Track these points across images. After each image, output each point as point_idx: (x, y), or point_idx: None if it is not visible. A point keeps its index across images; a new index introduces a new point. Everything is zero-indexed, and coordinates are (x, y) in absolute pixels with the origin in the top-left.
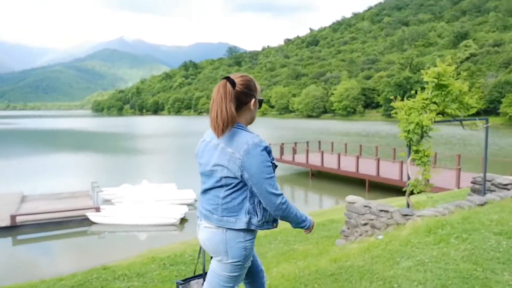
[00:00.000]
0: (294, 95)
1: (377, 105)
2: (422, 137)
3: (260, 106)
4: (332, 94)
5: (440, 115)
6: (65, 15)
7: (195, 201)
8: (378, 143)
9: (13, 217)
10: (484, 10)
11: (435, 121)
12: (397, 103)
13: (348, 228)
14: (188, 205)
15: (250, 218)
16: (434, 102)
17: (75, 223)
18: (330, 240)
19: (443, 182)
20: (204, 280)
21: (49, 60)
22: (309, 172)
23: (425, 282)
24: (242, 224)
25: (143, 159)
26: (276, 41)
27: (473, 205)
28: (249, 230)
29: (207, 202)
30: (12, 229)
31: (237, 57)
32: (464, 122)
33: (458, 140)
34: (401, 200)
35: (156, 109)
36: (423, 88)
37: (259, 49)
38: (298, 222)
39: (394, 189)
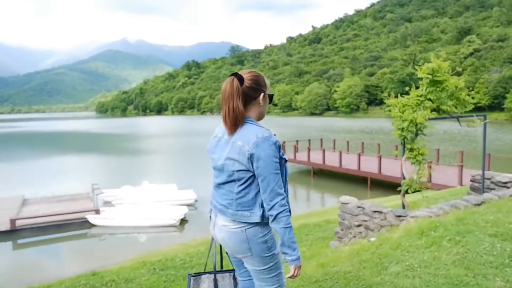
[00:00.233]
0: (297, 93)
1: (381, 102)
2: (416, 135)
3: (270, 101)
4: (335, 91)
5: (434, 112)
6: (67, 17)
7: (196, 201)
8: (381, 140)
9: (13, 221)
10: (488, 5)
11: (429, 118)
12: (391, 100)
13: (342, 230)
14: (188, 205)
15: (263, 212)
16: (429, 99)
17: (75, 225)
18: (324, 242)
19: (445, 179)
20: (215, 277)
21: (53, 62)
22: (311, 170)
23: None
24: (256, 218)
25: (145, 160)
26: (279, 40)
27: (470, 205)
28: (265, 224)
29: (222, 196)
30: (12, 233)
31: (239, 56)
32: (461, 119)
33: (463, 136)
34: (407, 198)
35: (160, 109)
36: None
37: (262, 47)
38: (286, 243)
39: (396, 187)
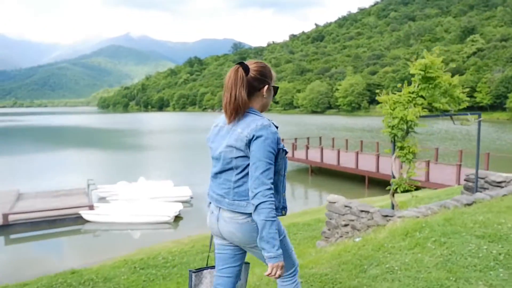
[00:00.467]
0: (298, 91)
1: None
2: (407, 132)
3: (275, 93)
4: (337, 89)
5: (425, 110)
6: (70, 11)
7: (191, 198)
8: (381, 138)
9: (5, 216)
10: (492, 4)
11: (421, 116)
12: (381, 97)
13: (329, 229)
14: (183, 202)
15: None
16: (421, 96)
17: (69, 221)
18: (312, 242)
19: (443, 178)
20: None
21: (56, 56)
22: (309, 168)
23: None
24: (253, 208)
25: (144, 156)
26: (281, 37)
27: (460, 205)
28: None
29: (219, 186)
30: (5, 228)
31: (242, 53)
32: (456, 117)
33: (463, 135)
34: (398, 197)
35: (161, 106)
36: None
37: (264, 45)
38: (265, 238)
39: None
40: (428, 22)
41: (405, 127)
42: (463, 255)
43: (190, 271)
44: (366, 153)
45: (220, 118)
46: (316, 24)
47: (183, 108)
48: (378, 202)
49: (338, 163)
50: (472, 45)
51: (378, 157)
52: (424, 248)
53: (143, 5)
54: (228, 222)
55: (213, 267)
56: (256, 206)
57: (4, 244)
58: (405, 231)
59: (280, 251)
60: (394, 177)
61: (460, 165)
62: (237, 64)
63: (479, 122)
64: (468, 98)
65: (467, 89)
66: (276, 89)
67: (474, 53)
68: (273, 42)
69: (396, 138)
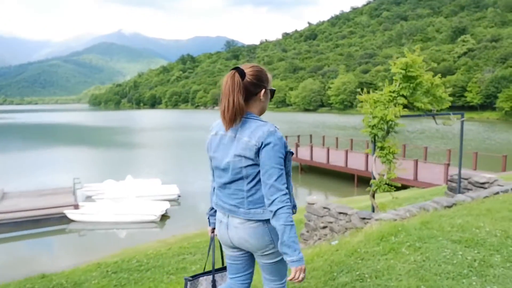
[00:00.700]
0: (291, 89)
1: None
2: (388, 132)
3: (272, 96)
4: (329, 88)
5: (406, 109)
6: (62, 8)
7: (179, 196)
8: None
9: None
10: (483, 5)
11: (402, 116)
12: (362, 96)
13: (308, 231)
14: (171, 201)
15: None
16: (402, 95)
17: (53, 221)
18: None
19: (432, 178)
20: (213, 278)
21: (47, 53)
22: (299, 166)
23: None
24: (270, 214)
25: (135, 154)
26: (274, 35)
27: (439, 207)
28: None
29: (229, 196)
30: None
31: (235, 51)
32: (437, 117)
33: (454, 135)
34: (381, 198)
35: (154, 103)
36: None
37: (257, 43)
38: (285, 243)
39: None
40: (420, 22)
41: (385, 127)
42: (437, 261)
43: (185, 279)
44: (356, 152)
45: (216, 125)
46: (309, 23)
47: (175, 105)
48: (366, 201)
49: (328, 162)
50: (463, 45)
51: (367, 155)
52: (398, 254)
53: (136, 2)
54: (238, 228)
55: (209, 272)
56: (275, 213)
57: None
58: (380, 235)
59: (302, 254)
60: (374, 178)
61: (448, 165)
62: (232, 69)
63: (462, 122)
64: (451, 98)
65: (450, 89)
66: (272, 92)
67: (465, 53)
68: (266, 40)
69: (376, 138)
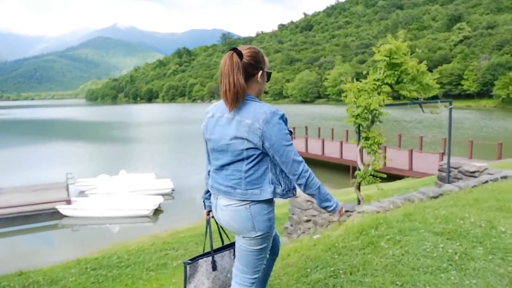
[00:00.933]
0: (288, 81)
1: None
2: (373, 122)
3: (268, 79)
4: (326, 79)
5: (390, 98)
6: (57, 3)
7: (173, 190)
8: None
9: None
10: None
11: (387, 105)
12: (346, 85)
13: (292, 225)
14: (164, 195)
15: (274, 188)
16: (387, 83)
17: (45, 216)
18: None
19: (427, 167)
20: (213, 258)
21: (42, 49)
22: None
23: None
24: (267, 195)
25: (130, 148)
26: (270, 27)
27: (425, 198)
28: (270, 202)
29: (226, 178)
30: None
31: (231, 43)
32: (424, 105)
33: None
34: (373, 189)
35: (150, 97)
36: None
37: (253, 35)
38: (322, 200)
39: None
40: (416, 11)
41: (369, 116)
42: (416, 255)
43: (184, 262)
44: (351, 143)
45: (213, 108)
46: (304, 14)
47: (172, 99)
48: (370, 189)
49: (323, 153)
50: (459, 33)
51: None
52: (376, 248)
53: None
54: (223, 210)
55: (208, 253)
56: (305, 184)
57: None
58: (360, 228)
59: (336, 200)
60: (359, 170)
61: (443, 154)
62: (230, 50)
63: (450, 110)
64: (438, 86)
65: (437, 76)
66: (269, 74)
67: (461, 41)
68: (262, 32)
69: (361, 128)
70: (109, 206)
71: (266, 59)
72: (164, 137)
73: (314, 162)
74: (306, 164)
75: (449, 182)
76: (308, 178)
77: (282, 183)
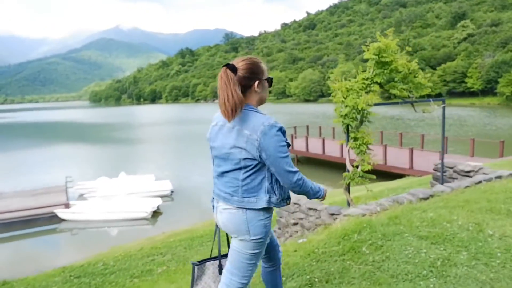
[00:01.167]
0: (291, 80)
1: None
2: (361, 122)
3: (270, 85)
4: (329, 77)
5: (379, 97)
6: (59, 5)
7: (172, 192)
8: (372, 126)
9: None
10: None
11: (377, 104)
12: (335, 85)
13: (279, 228)
14: (164, 196)
15: (269, 197)
16: (377, 82)
17: (43, 221)
18: None
19: (427, 166)
20: (220, 262)
21: (45, 51)
22: (295, 158)
23: None
24: (263, 203)
25: (132, 150)
26: (273, 26)
27: (415, 200)
28: (267, 209)
29: (225, 184)
30: None
31: (234, 43)
32: (416, 104)
33: (454, 121)
34: (381, 186)
35: (154, 98)
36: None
37: (256, 34)
38: (314, 194)
39: (378, 174)
40: (419, 8)
41: (358, 116)
42: (397, 261)
43: (192, 263)
44: (339, 143)
45: (217, 117)
46: (307, 12)
47: (175, 100)
48: (357, 192)
49: (324, 152)
50: (463, 30)
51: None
52: (356, 254)
53: None
54: (222, 212)
55: (216, 257)
56: (299, 191)
57: None
58: (343, 233)
59: (320, 186)
60: (348, 171)
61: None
62: (223, 66)
63: (443, 108)
64: (430, 84)
65: (429, 75)
66: (270, 80)
67: (465, 39)
68: (264, 31)
69: (350, 128)
70: (107, 209)
71: (264, 66)
72: (166, 137)
73: (315, 162)
74: (299, 173)
75: (443, 182)
76: (302, 186)
77: (276, 192)
